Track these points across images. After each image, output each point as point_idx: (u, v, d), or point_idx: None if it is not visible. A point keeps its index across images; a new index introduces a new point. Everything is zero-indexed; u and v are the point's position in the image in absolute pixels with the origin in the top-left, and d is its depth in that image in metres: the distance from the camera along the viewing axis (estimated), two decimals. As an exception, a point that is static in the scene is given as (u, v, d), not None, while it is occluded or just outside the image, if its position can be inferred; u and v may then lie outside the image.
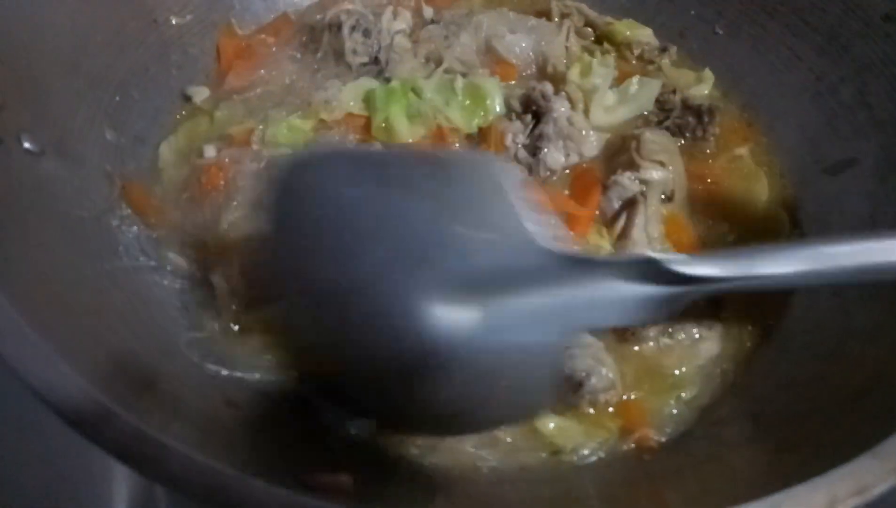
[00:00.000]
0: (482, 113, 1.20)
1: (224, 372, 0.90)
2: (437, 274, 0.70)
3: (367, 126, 1.18)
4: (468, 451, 0.90)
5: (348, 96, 1.20)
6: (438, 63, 1.27)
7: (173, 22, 1.28)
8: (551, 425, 0.91)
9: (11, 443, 1.02)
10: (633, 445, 0.92)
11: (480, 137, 1.20)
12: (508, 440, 0.91)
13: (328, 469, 0.71)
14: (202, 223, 1.05)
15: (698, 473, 0.84)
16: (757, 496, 0.61)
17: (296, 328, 0.80)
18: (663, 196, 1.16)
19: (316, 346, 0.77)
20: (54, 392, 0.61)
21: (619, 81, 1.34)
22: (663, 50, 1.43)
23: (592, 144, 1.22)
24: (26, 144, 0.91)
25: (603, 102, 1.28)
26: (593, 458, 0.91)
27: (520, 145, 1.20)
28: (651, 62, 1.41)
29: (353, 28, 1.29)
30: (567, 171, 1.20)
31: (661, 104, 1.30)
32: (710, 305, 1.02)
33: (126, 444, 0.58)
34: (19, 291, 0.70)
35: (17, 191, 0.87)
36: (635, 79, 1.31)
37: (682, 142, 1.27)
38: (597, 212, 1.15)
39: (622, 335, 1.00)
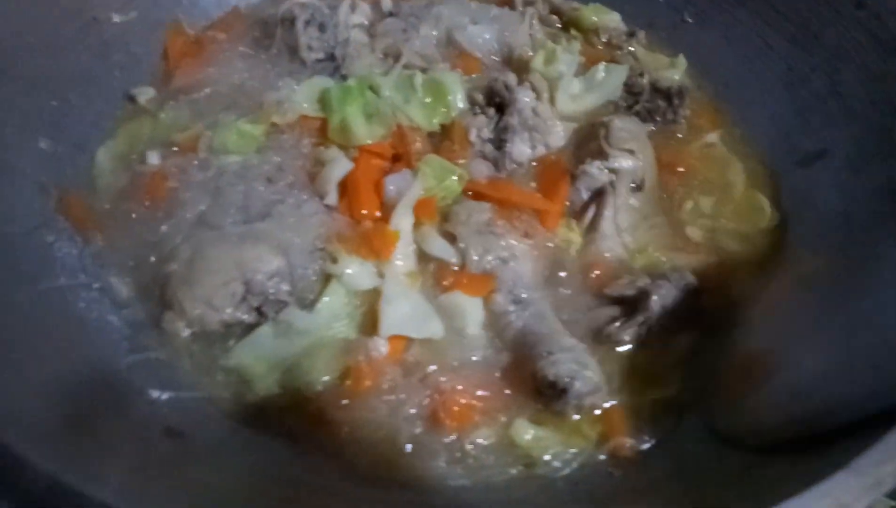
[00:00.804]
0: (443, 110, 1.15)
1: (165, 396, 0.83)
2: None
3: (322, 128, 1.11)
4: (439, 467, 0.86)
5: (302, 97, 1.14)
6: (397, 58, 1.21)
7: (115, 20, 1.20)
8: (528, 436, 0.87)
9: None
10: (607, 455, 0.88)
11: (443, 135, 1.15)
12: (482, 455, 0.87)
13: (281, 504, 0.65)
14: (144, 241, 0.98)
15: (666, 492, 0.80)
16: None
17: None
18: (633, 185, 1.12)
19: None
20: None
21: (588, 66, 1.29)
22: (631, 35, 1.39)
23: (559, 135, 1.17)
24: (-52, 159, 0.84)
25: (569, 90, 1.23)
26: (566, 470, 0.87)
27: (485, 140, 1.14)
28: (619, 48, 1.38)
29: (307, 22, 1.22)
30: (534, 163, 1.15)
31: (630, 88, 1.26)
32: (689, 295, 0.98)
33: (42, 497, 0.52)
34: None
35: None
36: (601, 65, 1.27)
37: (653, 127, 1.23)
38: (566, 204, 1.10)
39: (598, 337, 0.96)
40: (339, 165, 1.05)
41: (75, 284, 0.92)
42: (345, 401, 0.85)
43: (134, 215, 1.02)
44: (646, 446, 0.89)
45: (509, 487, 0.85)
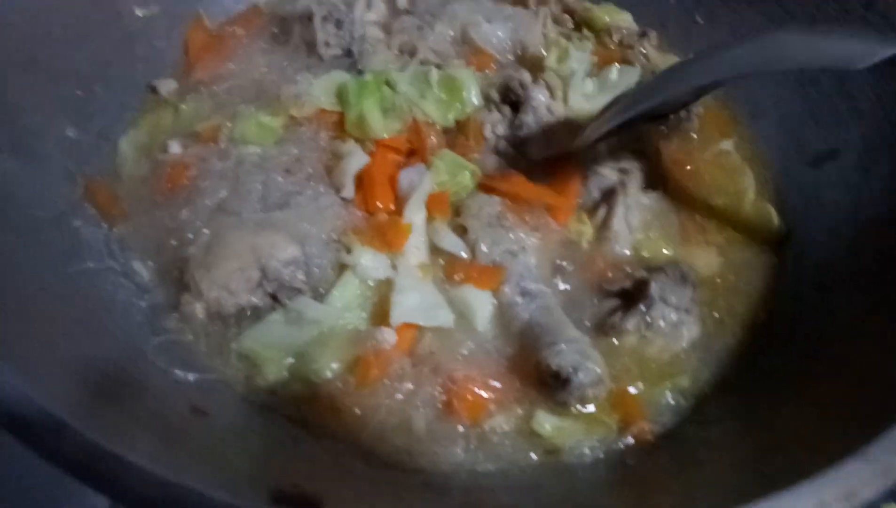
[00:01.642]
0: (459, 106, 1.17)
1: (191, 377, 0.86)
2: None
3: (340, 122, 1.14)
4: (457, 454, 0.88)
5: (319, 91, 1.16)
6: (413, 54, 1.24)
7: (138, 14, 1.23)
8: (547, 425, 0.89)
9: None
10: (631, 440, 0.90)
11: (458, 130, 1.17)
12: (501, 442, 0.89)
13: (300, 479, 0.68)
14: (165, 226, 1.01)
15: (684, 477, 0.82)
16: (744, 501, 0.59)
17: None
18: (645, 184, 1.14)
19: None
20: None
21: (600, 66, 1.31)
22: (643, 35, 1.40)
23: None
24: (-19, 145, 0.87)
25: (582, 90, 1.25)
26: (591, 457, 0.89)
27: (499, 136, 1.17)
28: (631, 48, 1.39)
29: (324, 19, 1.25)
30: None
31: (643, 88, 1.28)
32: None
33: (81, 460, 0.55)
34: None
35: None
36: (615, 67, 1.28)
37: (665, 128, 1.24)
38: (578, 200, 1.12)
39: (601, 328, 0.98)
40: (356, 159, 1.07)
41: (102, 267, 0.95)
42: (354, 390, 0.88)
43: (156, 202, 1.05)
44: (663, 431, 0.91)
45: (528, 473, 0.87)
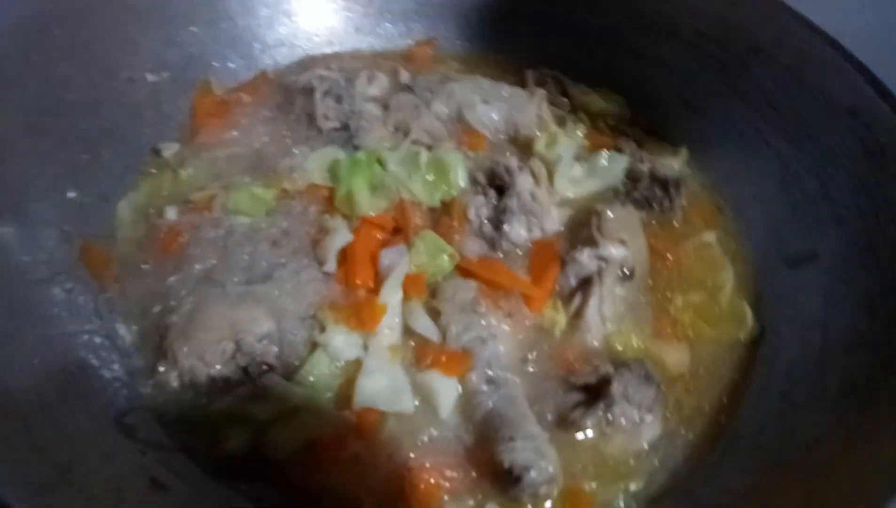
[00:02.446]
0: (445, 187, 1.21)
1: (153, 446, 0.89)
2: None
3: (329, 197, 1.18)
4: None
5: (313, 165, 1.21)
6: (407, 133, 1.28)
7: (149, 79, 1.30)
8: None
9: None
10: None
11: (443, 211, 1.21)
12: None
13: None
14: (152, 291, 1.05)
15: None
16: None
17: None
18: (624, 272, 1.16)
19: None
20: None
21: (592, 150, 1.35)
22: (635, 121, 1.44)
23: (554, 219, 1.22)
24: (-20, 210, 0.93)
25: (570, 175, 1.29)
26: None
27: (483, 219, 1.20)
28: (623, 133, 1.43)
29: (325, 93, 1.31)
30: (530, 244, 1.20)
31: (630, 174, 1.30)
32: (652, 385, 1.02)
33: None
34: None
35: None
36: (604, 152, 1.31)
37: (648, 215, 1.27)
38: (557, 287, 1.15)
39: (563, 422, 0.99)
40: (340, 236, 1.11)
41: (84, 330, 0.99)
42: (309, 470, 0.90)
43: (146, 266, 1.10)
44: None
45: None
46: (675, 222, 1.28)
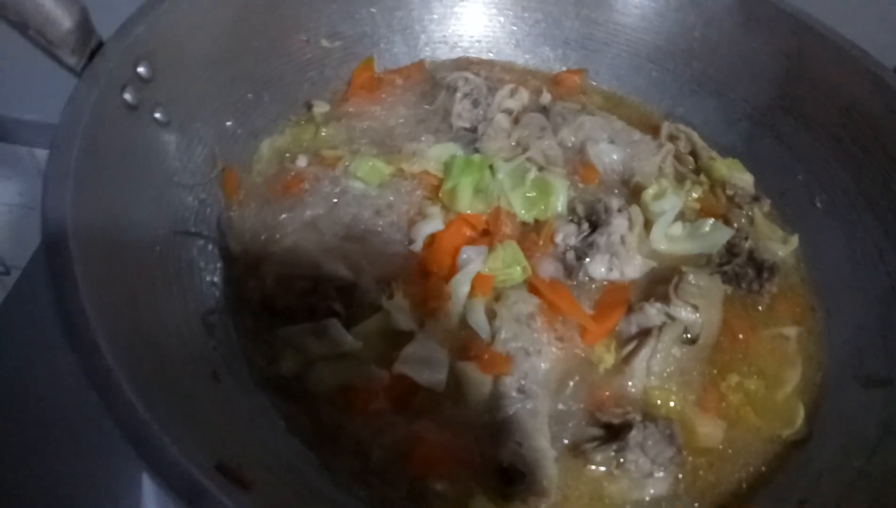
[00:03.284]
0: (542, 207, 1.28)
1: (224, 348, 1.05)
2: None
3: (437, 187, 1.29)
4: (400, 500, 0.99)
5: (433, 155, 1.32)
6: (526, 149, 1.37)
7: (322, 44, 1.47)
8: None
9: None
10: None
11: (534, 228, 1.28)
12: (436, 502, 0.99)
13: (250, 462, 0.83)
14: (265, 222, 1.21)
15: None
16: None
17: None
18: (687, 336, 1.17)
19: None
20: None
21: (701, 214, 1.37)
22: (755, 199, 1.43)
23: (636, 267, 1.25)
24: (157, 115, 1.12)
25: (669, 231, 1.31)
26: None
27: (569, 246, 1.26)
28: (740, 207, 1.42)
29: (465, 95, 1.42)
30: (605, 283, 1.24)
31: (730, 247, 1.31)
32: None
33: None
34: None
35: (135, 148, 1.07)
36: (710, 221, 1.32)
37: (735, 291, 1.27)
38: (616, 329, 1.19)
39: (574, 450, 1.04)
40: (434, 223, 1.22)
41: (203, 235, 1.17)
42: (336, 410, 1.02)
43: (267, 199, 1.26)
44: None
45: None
46: (759, 307, 1.27)
